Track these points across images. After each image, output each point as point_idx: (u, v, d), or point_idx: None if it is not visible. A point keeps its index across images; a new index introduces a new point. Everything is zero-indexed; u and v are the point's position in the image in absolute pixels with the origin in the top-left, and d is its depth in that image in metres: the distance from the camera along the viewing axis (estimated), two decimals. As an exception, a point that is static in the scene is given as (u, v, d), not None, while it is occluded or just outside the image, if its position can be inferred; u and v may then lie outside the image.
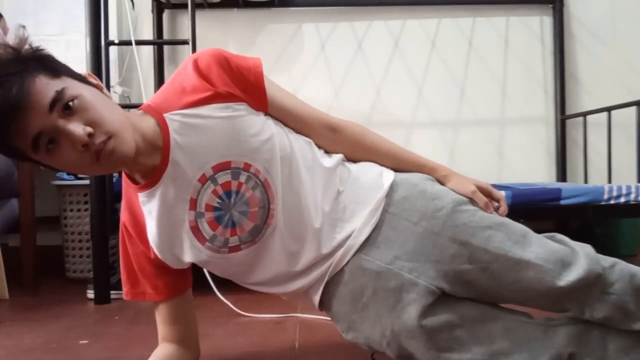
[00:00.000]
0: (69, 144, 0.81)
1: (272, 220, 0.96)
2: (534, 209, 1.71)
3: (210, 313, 1.57)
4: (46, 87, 0.80)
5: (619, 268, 0.95)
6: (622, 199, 1.71)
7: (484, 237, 0.94)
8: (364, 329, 0.99)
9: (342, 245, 0.98)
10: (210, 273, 1.55)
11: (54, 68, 0.83)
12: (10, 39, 0.81)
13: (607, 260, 0.95)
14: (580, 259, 0.93)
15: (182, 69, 0.96)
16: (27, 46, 0.82)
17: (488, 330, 0.93)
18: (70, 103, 0.81)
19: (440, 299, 0.94)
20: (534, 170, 2.51)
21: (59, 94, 0.80)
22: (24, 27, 1.77)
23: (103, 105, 0.85)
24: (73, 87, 0.82)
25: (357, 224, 0.99)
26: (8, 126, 0.78)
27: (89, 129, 0.81)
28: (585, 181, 2.38)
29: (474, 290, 0.96)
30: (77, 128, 0.80)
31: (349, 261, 0.98)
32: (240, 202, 0.94)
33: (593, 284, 0.92)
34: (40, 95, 0.79)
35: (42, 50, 0.84)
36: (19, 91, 0.77)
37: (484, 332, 0.93)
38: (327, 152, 1.06)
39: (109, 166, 0.87)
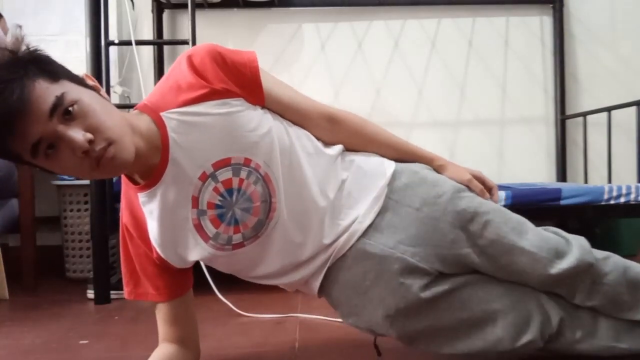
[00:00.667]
0: (69, 149, 0.80)
1: (274, 213, 0.97)
2: (534, 209, 1.71)
3: (210, 313, 1.57)
4: (46, 92, 0.79)
5: (612, 260, 0.99)
6: (622, 199, 1.71)
7: (481, 222, 0.97)
8: (366, 313, 1.00)
9: (346, 231, 1.00)
10: (210, 273, 1.55)
11: (53, 71, 0.82)
12: (9, 40, 0.80)
13: (600, 253, 0.99)
14: (574, 248, 0.97)
15: (176, 65, 0.95)
16: (24, 47, 0.81)
17: (488, 290, 0.97)
18: (70, 108, 0.80)
19: (440, 275, 0.98)
20: (534, 170, 2.51)
21: (59, 99, 0.79)
22: (20, 26, 1.76)
23: (102, 109, 0.84)
24: (72, 91, 0.82)
25: (361, 211, 1.00)
26: (8, 132, 0.78)
27: (89, 136, 0.80)
28: (585, 181, 2.38)
29: (473, 271, 1.00)
30: (77, 134, 0.80)
31: (352, 246, 0.99)
32: (242, 199, 0.94)
33: (584, 273, 0.95)
34: (41, 101, 0.78)
35: (40, 51, 0.83)
36: (19, 98, 0.76)
37: (484, 292, 0.97)
38: (326, 143, 1.06)
39: (109, 172, 0.87)
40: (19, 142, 0.79)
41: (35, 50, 0.83)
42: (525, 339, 0.95)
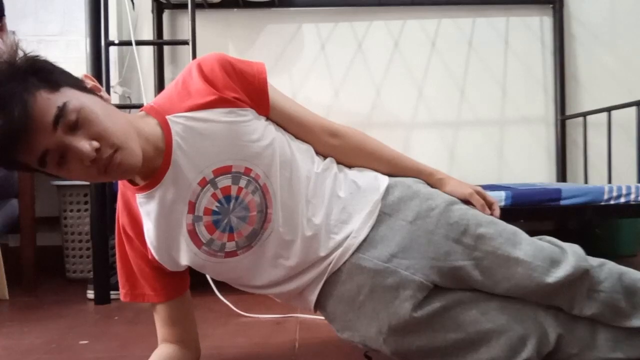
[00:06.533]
0: (77, 158, 0.81)
1: (269, 224, 0.97)
2: (534, 209, 1.71)
3: (210, 313, 1.57)
4: (47, 103, 0.78)
5: (607, 267, 0.97)
6: (622, 199, 1.71)
7: (475, 235, 0.97)
8: (360, 327, 1.00)
9: (340, 245, 0.99)
10: (210, 273, 1.55)
11: (53, 80, 0.81)
12: (4, 47, 0.77)
13: (595, 260, 0.98)
14: (569, 256, 0.96)
15: (186, 72, 0.96)
16: (20, 56, 0.79)
17: (483, 309, 0.96)
18: (74, 117, 0.79)
19: (435, 290, 0.97)
20: (534, 170, 2.50)
21: (61, 110, 0.78)
22: (14, 32, 1.72)
23: (105, 114, 0.84)
24: (74, 99, 0.81)
25: (355, 226, 1.00)
26: (13, 147, 0.78)
27: (96, 144, 0.80)
28: (585, 181, 2.38)
29: (468, 287, 0.98)
30: (84, 144, 0.80)
31: (346, 261, 0.99)
32: (239, 208, 0.95)
33: (581, 280, 0.94)
34: (43, 113, 0.77)
35: (38, 58, 0.82)
36: (21, 113, 0.75)
37: (479, 311, 0.96)
38: (324, 158, 1.07)
39: (116, 177, 0.88)
40: (26, 155, 0.80)
41: (34, 58, 0.81)
42: (520, 358, 0.93)
